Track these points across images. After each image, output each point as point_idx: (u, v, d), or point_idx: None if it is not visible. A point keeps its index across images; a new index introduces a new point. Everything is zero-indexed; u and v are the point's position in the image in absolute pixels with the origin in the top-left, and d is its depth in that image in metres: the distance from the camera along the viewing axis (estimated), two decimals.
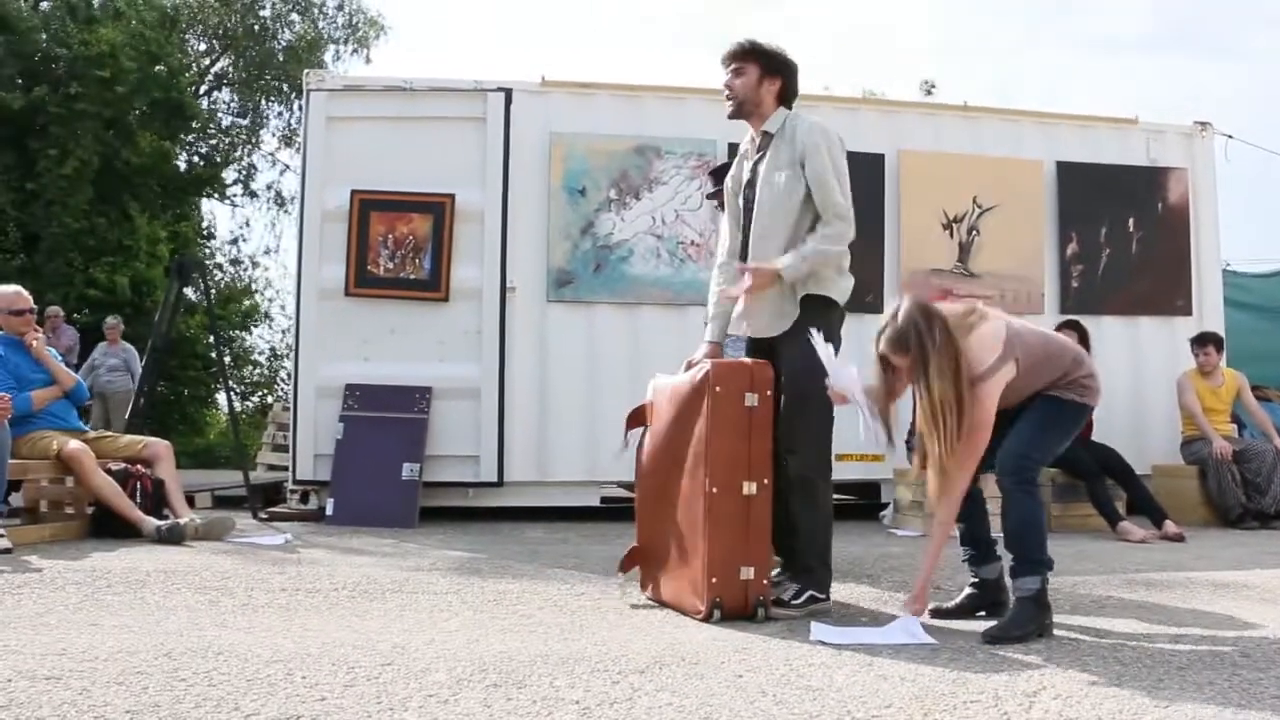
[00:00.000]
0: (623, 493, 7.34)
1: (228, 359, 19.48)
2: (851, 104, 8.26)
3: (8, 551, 4.76)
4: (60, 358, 6.27)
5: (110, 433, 6.86)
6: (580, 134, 7.24)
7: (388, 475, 6.59)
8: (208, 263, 19.48)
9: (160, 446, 6.07)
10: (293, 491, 7.13)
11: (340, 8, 22.28)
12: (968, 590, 3.74)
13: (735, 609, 3.51)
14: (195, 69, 21.64)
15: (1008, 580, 3.56)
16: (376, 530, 6.15)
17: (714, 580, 3.49)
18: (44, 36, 16.96)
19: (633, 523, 4.08)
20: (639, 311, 7.20)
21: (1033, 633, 3.29)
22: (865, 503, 7.56)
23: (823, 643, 3.21)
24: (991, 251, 7.65)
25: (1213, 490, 7.06)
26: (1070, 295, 7.79)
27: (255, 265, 23.65)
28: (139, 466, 5.87)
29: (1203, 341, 7.44)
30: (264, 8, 21.83)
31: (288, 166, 22.78)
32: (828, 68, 46.95)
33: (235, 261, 23.35)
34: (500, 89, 7.11)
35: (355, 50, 22.50)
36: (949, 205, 7.63)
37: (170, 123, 18.41)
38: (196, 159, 21.16)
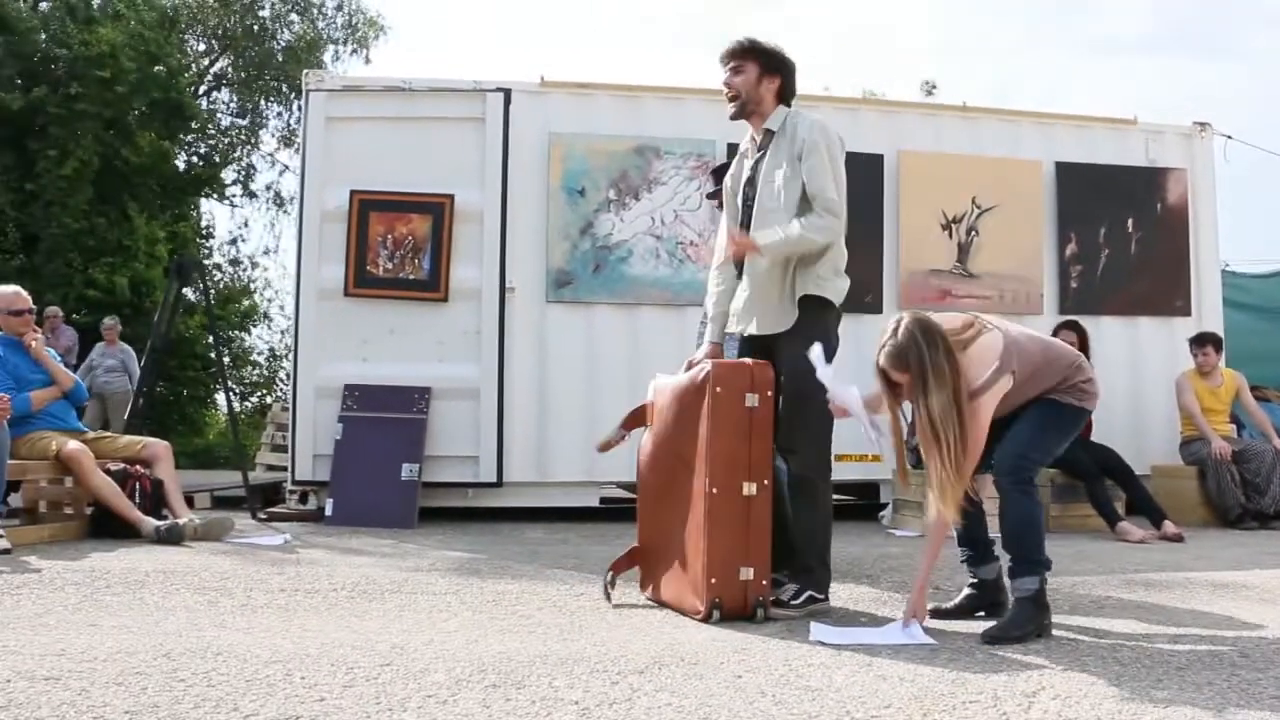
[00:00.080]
0: (622, 493, 7.34)
1: (227, 359, 19.47)
2: (851, 104, 8.26)
3: (7, 552, 4.76)
4: (59, 358, 6.27)
5: (109, 433, 6.86)
6: (579, 134, 7.25)
7: (387, 476, 6.59)
8: (206, 263, 19.46)
9: (159, 447, 6.07)
10: (292, 492, 7.13)
11: (339, 8, 22.29)
12: (966, 591, 3.74)
13: (735, 609, 3.51)
14: (194, 69, 21.63)
15: (1006, 581, 3.56)
16: (375, 531, 6.15)
17: (713, 581, 3.50)
18: (43, 37, 16.95)
19: (632, 523, 4.08)
20: (638, 312, 7.20)
21: (1031, 633, 3.29)
22: (864, 503, 7.56)
23: (822, 643, 3.21)
24: (991, 252, 7.66)
25: (1212, 491, 7.06)
26: (1069, 296, 7.80)
27: (254, 265, 23.68)
28: (138, 467, 5.87)
29: (1201, 342, 7.44)
30: (263, 8, 21.82)
31: (287, 167, 22.80)
32: (828, 68, 47.01)
33: (234, 262, 23.36)
34: (499, 89, 7.11)
35: (355, 51, 22.51)
36: (948, 205, 7.63)
37: (169, 123, 18.41)
38: (195, 159, 21.15)
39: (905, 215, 7.59)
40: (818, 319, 3.78)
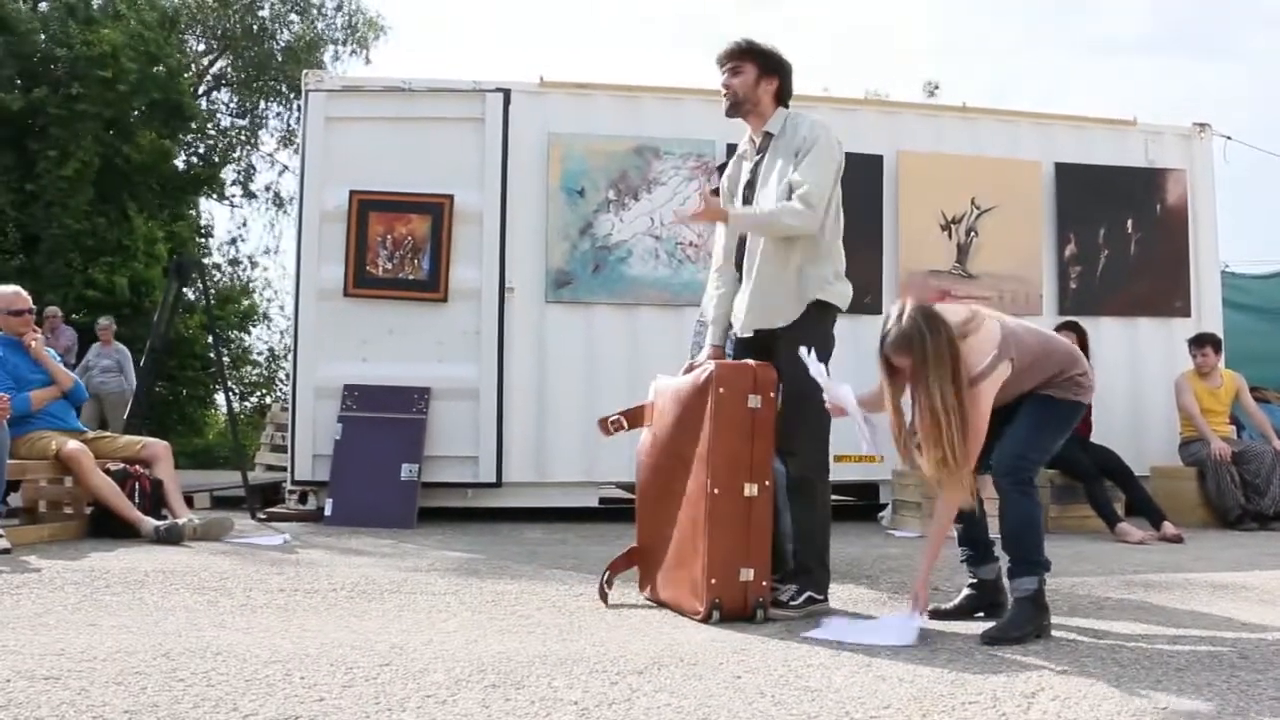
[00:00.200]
0: (621, 493, 7.34)
1: (226, 359, 19.47)
2: (850, 105, 8.25)
3: (6, 552, 4.76)
4: (59, 358, 6.27)
5: (109, 433, 6.85)
6: (579, 135, 7.25)
7: (386, 476, 6.59)
8: (205, 262, 19.46)
9: (159, 447, 6.07)
10: (291, 492, 7.13)
11: (339, 8, 22.30)
12: (966, 591, 3.74)
13: (734, 610, 3.51)
14: (194, 69, 21.63)
15: (1006, 581, 3.56)
16: (375, 531, 6.15)
17: (713, 581, 3.49)
18: (42, 37, 16.95)
19: (631, 523, 4.08)
20: (637, 312, 7.20)
21: (1030, 634, 3.29)
22: (864, 504, 7.57)
23: (813, 639, 3.22)
24: (990, 252, 7.66)
25: (1211, 491, 7.06)
26: (1069, 296, 7.80)
27: (254, 265, 23.69)
28: (137, 467, 5.87)
29: (1200, 342, 7.45)
30: (263, 8, 21.83)
31: (286, 167, 22.81)
32: (827, 68, 46.98)
33: (234, 262, 23.37)
34: (499, 89, 7.11)
35: (354, 51, 22.53)
36: (947, 206, 7.63)
37: (169, 123, 18.41)
38: (195, 159, 21.15)
39: (904, 216, 7.60)
40: (818, 322, 3.79)
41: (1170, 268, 7.99)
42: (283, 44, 21.94)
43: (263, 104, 22.49)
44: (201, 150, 21.49)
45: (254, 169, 22.97)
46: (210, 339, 15.90)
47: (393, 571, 4.62)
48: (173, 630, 3.22)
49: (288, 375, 7.93)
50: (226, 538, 5.59)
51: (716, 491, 3.53)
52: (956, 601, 3.73)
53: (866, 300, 7.23)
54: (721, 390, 3.58)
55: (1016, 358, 3.40)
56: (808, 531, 3.76)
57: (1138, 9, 52.08)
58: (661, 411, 3.88)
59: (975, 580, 3.72)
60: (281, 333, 22.61)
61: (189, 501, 6.41)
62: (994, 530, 3.62)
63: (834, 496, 7.35)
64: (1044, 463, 3.59)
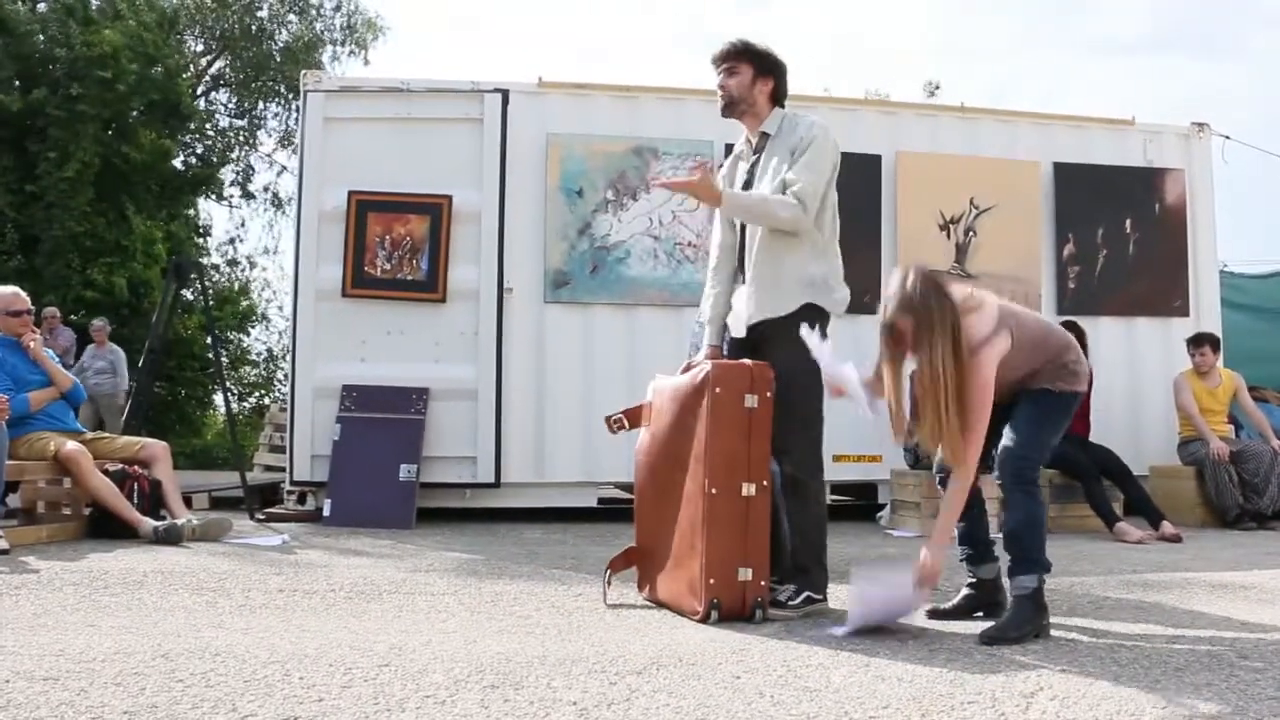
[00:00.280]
0: (620, 494, 7.34)
1: (225, 360, 19.47)
2: (848, 105, 8.25)
3: (5, 552, 4.76)
4: (57, 359, 6.26)
5: (107, 434, 6.85)
6: (577, 135, 7.25)
7: (385, 476, 6.59)
8: (203, 262, 19.46)
9: (157, 447, 6.06)
10: (290, 492, 7.13)
11: (338, 9, 22.29)
12: (965, 591, 3.74)
13: (733, 610, 3.51)
14: (192, 70, 21.62)
15: (1005, 581, 3.56)
16: (374, 531, 6.14)
17: (712, 581, 3.49)
18: (41, 38, 16.94)
19: (629, 524, 4.08)
20: (636, 312, 7.21)
21: (1029, 633, 3.29)
22: (862, 504, 7.57)
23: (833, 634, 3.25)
24: (988, 252, 7.66)
25: (1210, 491, 7.07)
26: (1067, 296, 7.81)
27: (252, 265, 23.69)
28: (136, 467, 5.87)
29: (1198, 342, 7.45)
30: (261, 9, 21.83)
31: (284, 168, 22.80)
32: (827, 68, 47.02)
33: (233, 262, 23.37)
34: (497, 90, 7.11)
35: (353, 52, 22.52)
36: (946, 206, 7.63)
37: (168, 123, 18.41)
38: (193, 159, 21.15)
39: (903, 216, 7.60)
40: (809, 322, 3.78)
41: (1169, 267, 8.00)
42: (281, 44, 21.94)
43: (261, 104, 22.49)
44: (200, 151, 21.50)
45: (252, 169, 23.00)
46: (209, 339, 15.89)
47: (391, 572, 4.62)
48: (171, 631, 3.22)
49: (286, 376, 7.93)
50: (225, 538, 5.59)
51: (714, 491, 3.53)
52: (955, 601, 3.73)
53: (865, 300, 7.23)
54: (718, 390, 3.58)
55: (1016, 335, 3.43)
56: (803, 531, 3.76)
57: (1138, 9, 52.15)
58: (659, 411, 3.88)
59: (974, 580, 3.72)
60: (280, 333, 22.63)
61: (188, 502, 6.41)
62: (994, 530, 3.62)
63: (833, 496, 7.43)
64: (1046, 460, 3.59)
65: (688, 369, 3.82)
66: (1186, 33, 52.14)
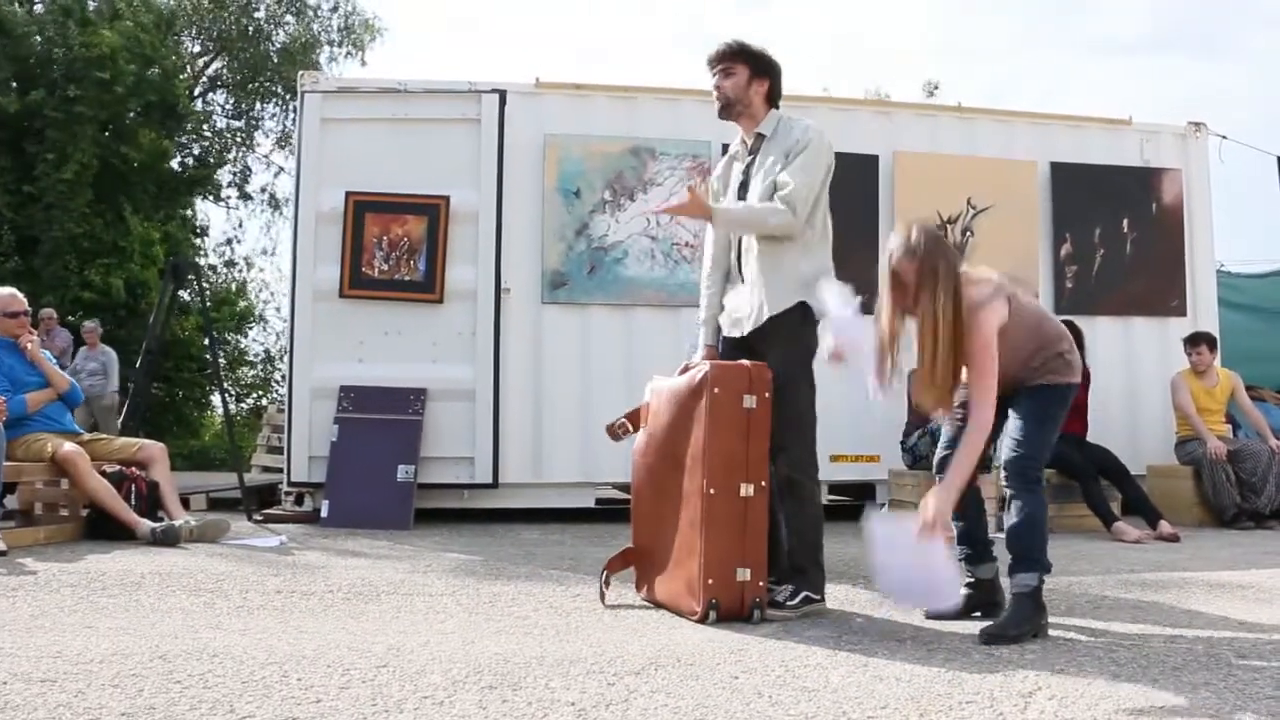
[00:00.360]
0: (617, 494, 7.34)
1: (222, 361, 19.46)
2: (846, 105, 8.25)
3: (2, 554, 4.76)
4: (54, 360, 6.26)
5: (105, 435, 6.84)
6: (575, 135, 7.25)
7: (383, 477, 6.58)
8: (200, 263, 19.46)
9: (155, 449, 6.06)
10: (288, 493, 7.12)
11: (335, 10, 22.27)
12: (963, 590, 3.74)
13: (731, 610, 3.51)
14: (189, 71, 21.61)
15: (1004, 580, 3.57)
16: (371, 532, 6.14)
17: (710, 581, 3.50)
18: (38, 39, 16.93)
19: (627, 524, 4.08)
20: (633, 313, 7.21)
21: (1028, 632, 3.29)
22: (861, 504, 7.56)
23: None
24: (986, 252, 7.62)
25: (1207, 490, 7.07)
26: (1065, 296, 7.81)
27: (250, 266, 23.67)
28: (134, 469, 5.87)
29: (1195, 341, 7.46)
30: (258, 10, 21.81)
31: (282, 168, 22.79)
32: (827, 68, 47.02)
33: (230, 263, 23.36)
34: (495, 90, 7.11)
35: (350, 53, 22.50)
36: (943, 206, 7.63)
37: (165, 123, 18.39)
38: (190, 160, 21.13)
39: (901, 216, 7.54)
40: (801, 322, 3.80)
41: (1166, 267, 8.01)
42: (278, 45, 21.91)
43: (258, 105, 22.47)
44: (197, 152, 21.49)
45: (250, 170, 22.99)
46: (206, 341, 15.89)
47: (389, 573, 4.61)
48: (169, 632, 3.21)
49: (284, 377, 7.92)
50: (223, 539, 5.58)
51: (713, 492, 3.53)
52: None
53: (863, 300, 7.23)
54: (717, 390, 3.58)
55: (1014, 308, 3.49)
56: (799, 531, 3.77)
57: (1137, 8, 52.20)
58: (657, 412, 3.88)
59: (973, 580, 3.72)
60: (277, 334, 22.62)
61: (185, 503, 6.40)
62: (992, 530, 3.62)
63: (831, 497, 7.43)
64: (1047, 457, 3.61)
65: (685, 370, 3.83)
66: (1186, 33, 52.22)
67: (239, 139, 22.57)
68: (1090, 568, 5.01)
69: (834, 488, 7.53)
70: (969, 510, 3.65)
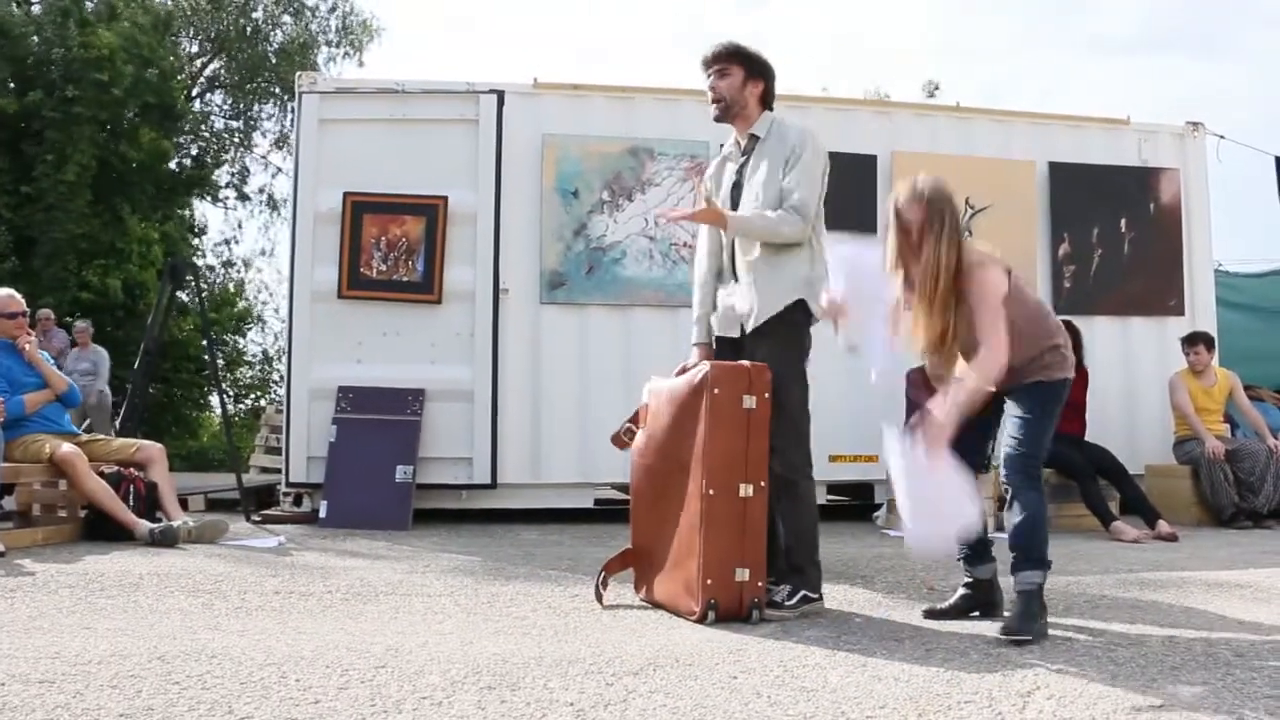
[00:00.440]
0: (616, 494, 7.34)
1: (220, 362, 19.46)
2: (845, 105, 8.23)
3: (1, 555, 4.75)
4: (52, 361, 6.25)
5: (103, 436, 6.84)
6: (573, 136, 7.25)
7: (381, 477, 6.58)
8: (197, 263, 19.45)
9: (153, 449, 6.06)
10: (286, 494, 7.12)
11: (332, 10, 22.27)
12: (961, 591, 3.74)
13: (730, 610, 3.51)
14: (187, 72, 21.60)
15: (1002, 580, 3.57)
16: (370, 533, 6.14)
17: (709, 581, 3.50)
18: (36, 40, 16.92)
19: (626, 524, 4.08)
20: (632, 313, 7.20)
21: (1041, 629, 3.29)
22: (859, 503, 7.57)
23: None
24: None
25: (1206, 490, 7.07)
26: (1063, 296, 7.80)
27: (247, 267, 23.68)
28: (132, 469, 5.87)
29: (1193, 341, 7.46)
30: (256, 10, 21.80)
31: (280, 169, 22.79)
32: (827, 68, 47.03)
33: (228, 263, 23.36)
34: (493, 91, 7.10)
35: (348, 53, 22.49)
36: None
37: (163, 124, 18.38)
38: (188, 161, 21.13)
39: None
40: (796, 321, 3.80)
41: (1164, 267, 8.01)
42: (276, 46, 21.91)
43: (256, 106, 22.46)
44: (195, 152, 21.48)
45: (248, 171, 22.98)
46: (205, 341, 15.90)
47: (388, 573, 4.61)
48: (168, 633, 3.21)
49: (282, 377, 7.93)
50: (221, 540, 5.58)
51: (712, 492, 3.53)
52: (952, 601, 3.73)
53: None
54: (717, 391, 3.58)
55: (1014, 287, 3.50)
56: (797, 531, 3.77)
57: (1137, 8, 52.25)
58: (656, 413, 3.88)
59: (971, 580, 3.72)
60: (276, 335, 22.65)
61: (183, 504, 6.40)
62: (991, 530, 3.62)
63: (829, 496, 7.43)
64: (1045, 454, 3.61)
65: (683, 371, 3.83)
66: (1185, 33, 52.23)
67: (237, 139, 22.58)
68: (1089, 567, 5.01)
69: (832, 488, 7.52)
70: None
